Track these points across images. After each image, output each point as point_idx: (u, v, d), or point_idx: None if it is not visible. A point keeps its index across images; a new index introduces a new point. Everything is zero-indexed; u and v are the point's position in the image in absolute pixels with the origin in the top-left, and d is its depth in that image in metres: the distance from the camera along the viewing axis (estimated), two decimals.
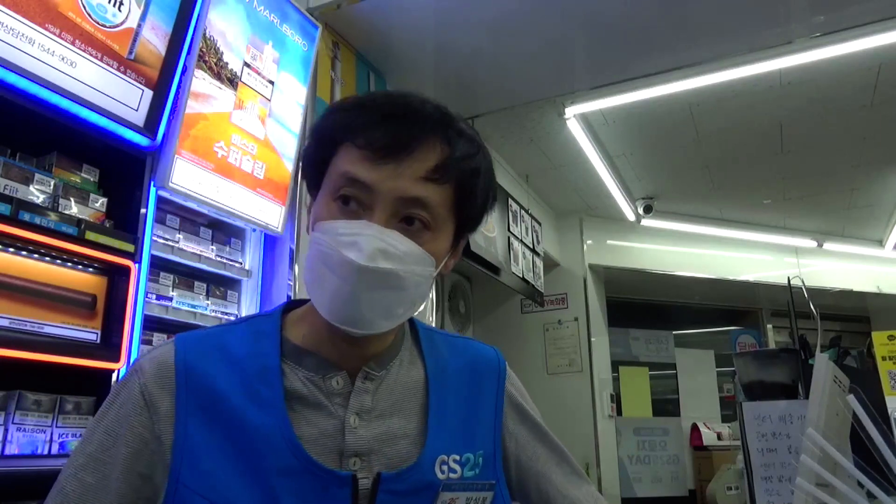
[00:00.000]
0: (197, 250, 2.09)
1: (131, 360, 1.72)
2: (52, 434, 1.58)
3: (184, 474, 0.70)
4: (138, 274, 1.77)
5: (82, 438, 0.74)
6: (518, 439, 0.87)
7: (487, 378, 0.88)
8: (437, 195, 0.73)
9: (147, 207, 1.84)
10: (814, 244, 5.96)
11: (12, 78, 1.51)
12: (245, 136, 2.10)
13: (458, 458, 0.79)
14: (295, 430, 0.72)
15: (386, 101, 0.75)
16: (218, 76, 2.01)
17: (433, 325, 3.03)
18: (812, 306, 1.98)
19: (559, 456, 0.89)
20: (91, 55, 1.66)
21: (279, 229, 2.24)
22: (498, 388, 0.88)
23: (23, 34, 1.51)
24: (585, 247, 5.29)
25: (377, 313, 0.72)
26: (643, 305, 6.35)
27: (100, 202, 1.79)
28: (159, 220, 1.97)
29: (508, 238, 3.92)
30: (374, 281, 0.70)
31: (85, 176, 1.81)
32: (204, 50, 1.96)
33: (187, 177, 1.90)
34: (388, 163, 0.70)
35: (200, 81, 1.95)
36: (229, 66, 2.05)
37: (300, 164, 2.35)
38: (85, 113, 1.68)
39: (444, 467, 0.77)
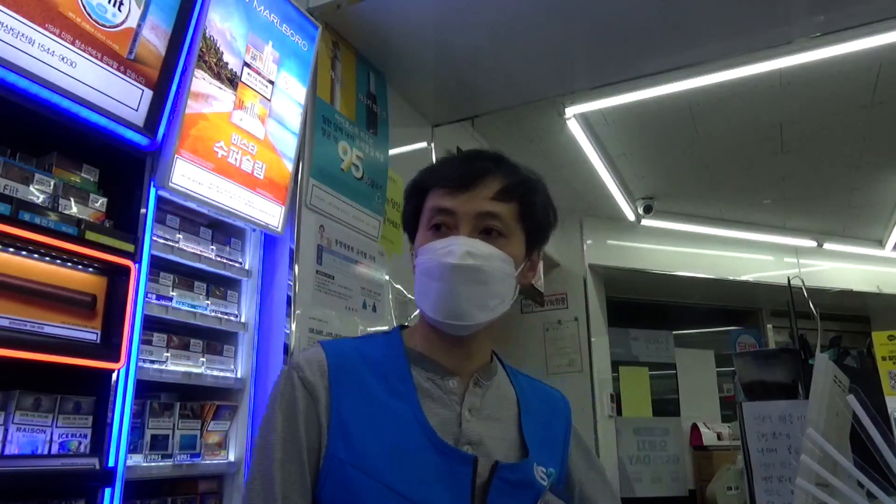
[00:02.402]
0: (197, 250, 2.09)
1: (131, 361, 1.72)
2: (52, 434, 1.58)
3: (337, 448, 0.87)
4: (138, 274, 1.77)
5: (263, 431, 0.90)
6: (582, 471, 1.05)
7: (557, 412, 1.09)
8: (505, 209, 0.95)
9: (147, 207, 1.84)
10: (814, 244, 5.96)
11: (12, 78, 1.51)
12: (245, 136, 2.10)
13: (544, 469, 0.96)
14: (425, 417, 0.90)
15: (456, 156, 1.03)
16: (218, 76, 2.01)
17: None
18: (812, 306, 1.98)
19: (612, 493, 1.08)
20: (91, 55, 1.66)
21: (279, 229, 2.24)
22: (566, 424, 1.08)
23: (23, 34, 1.51)
24: (585, 247, 5.29)
25: (473, 304, 0.91)
26: (643, 305, 6.35)
27: (100, 202, 1.79)
28: (159, 220, 1.96)
29: None
30: (466, 276, 0.90)
31: (85, 176, 1.81)
32: (204, 50, 1.96)
33: (187, 177, 1.90)
34: (464, 192, 0.94)
35: (200, 81, 1.95)
36: (229, 66, 2.05)
37: (299, 165, 2.35)
38: (85, 113, 1.68)
39: (539, 473, 0.94)
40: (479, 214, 0.93)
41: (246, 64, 2.12)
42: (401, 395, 0.92)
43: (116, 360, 1.68)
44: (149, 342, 1.91)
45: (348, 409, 0.89)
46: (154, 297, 1.93)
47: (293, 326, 2.17)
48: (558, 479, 0.98)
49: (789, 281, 2.12)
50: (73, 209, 1.71)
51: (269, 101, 2.20)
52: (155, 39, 1.83)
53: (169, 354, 1.97)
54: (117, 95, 1.73)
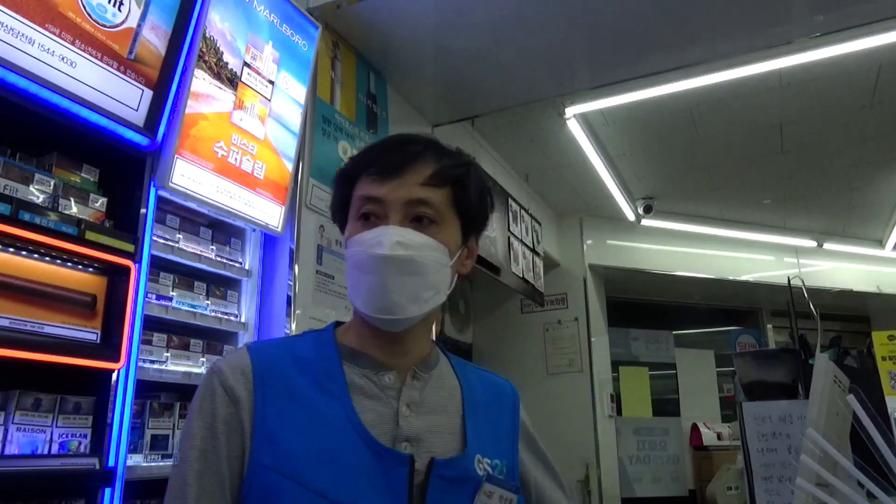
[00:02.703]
0: (197, 250, 2.09)
1: (131, 361, 1.72)
2: (52, 434, 1.58)
3: (262, 455, 0.82)
4: (138, 274, 1.77)
5: (183, 440, 0.85)
6: (535, 470, 1.02)
7: (505, 402, 1.03)
8: (437, 195, 0.90)
9: (147, 207, 1.84)
10: (814, 244, 5.96)
11: (12, 78, 1.51)
12: (245, 136, 2.10)
13: (489, 461, 0.92)
14: (358, 416, 0.86)
15: (386, 140, 0.96)
16: (218, 76, 2.01)
17: (433, 325, 3.04)
18: (812, 306, 1.98)
19: (564, 489, 1.05)
20: (91, 55, 1.66)
21: (279, 229, 2.24)
22: (514, 414, 1.03)
23: (23, 34, 1.51)
24: (585, 247, 5.29)
25: (405, 297, 0.87)
26: (643, 305, 6.35)
27: (100, 202, 1.79)
28: (159, 220, 1.96)
29: (508, 238, 3.92)
30: (397, 267, 0.85)
31: (85, 176, 1.81)
32: (204, 50, 1.96)
33: (187, 177, 1.90)
34: (394, 179, 0.88)
35: (200, 81, 1.95)
36: (229, 66, 2.05)
37: (299, 165, 2.35)
38: (85, 113, 1.68)
39: (482, 465, 0.90)
40: (409, 202, 0.88)
41: (246, 64, 2.12)
42: (332, 395, 0.87)
43: (116, 360, 1.68)
44: (149, 342, 1.91)
45: (274, 413, 0.84)
46: (154, 297, 1.93)
47: (293, 326, 2.17)
48: (509, 472, 0.95)
49: (789, 281, 2.12)
50: (73, 209, 1.71)
51: (269, 101, 2.20)
52: (155, 39, 1.83)
53: (169, 354, 1.97)
54: (117, 95, 1.73)
